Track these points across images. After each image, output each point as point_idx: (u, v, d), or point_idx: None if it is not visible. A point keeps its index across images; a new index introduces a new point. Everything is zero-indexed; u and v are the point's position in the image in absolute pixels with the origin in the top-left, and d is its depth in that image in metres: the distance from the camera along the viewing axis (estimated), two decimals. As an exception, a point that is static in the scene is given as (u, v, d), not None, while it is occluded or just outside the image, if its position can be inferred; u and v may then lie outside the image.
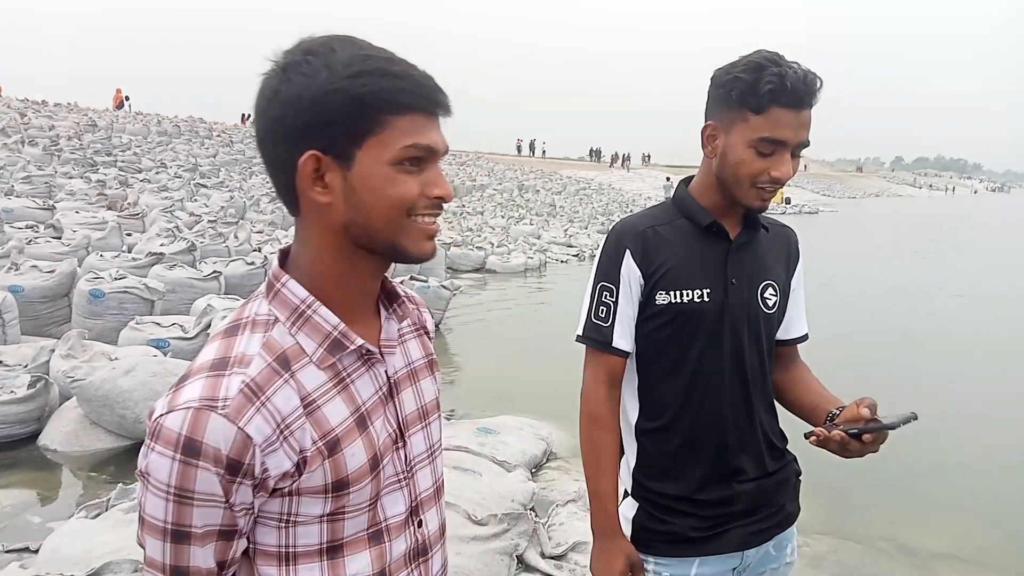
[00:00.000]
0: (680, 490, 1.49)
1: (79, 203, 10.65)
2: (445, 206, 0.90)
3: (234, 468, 0.77)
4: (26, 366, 4.72)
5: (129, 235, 8.89)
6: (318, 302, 0.87)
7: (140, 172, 15.71)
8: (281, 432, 0.80)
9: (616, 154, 57.77)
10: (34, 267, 6.12)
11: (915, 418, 1.18)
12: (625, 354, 1.49)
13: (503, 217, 19.97)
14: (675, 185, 1.63)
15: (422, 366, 1.01)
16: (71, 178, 13.18)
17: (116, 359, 4.59)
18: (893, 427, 1.22)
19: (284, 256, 0.92)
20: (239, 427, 0.77)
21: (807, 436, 1.33)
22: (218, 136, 25.70)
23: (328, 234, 0.86)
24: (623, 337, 1.47)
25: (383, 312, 0.97)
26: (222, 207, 12.57)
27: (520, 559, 3.05)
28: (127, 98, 31.55)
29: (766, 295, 1.50)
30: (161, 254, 7.23)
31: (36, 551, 2.95)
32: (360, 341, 0.88)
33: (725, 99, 1.37)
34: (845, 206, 50.32)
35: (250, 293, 0.92)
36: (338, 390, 0.86)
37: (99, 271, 6.16)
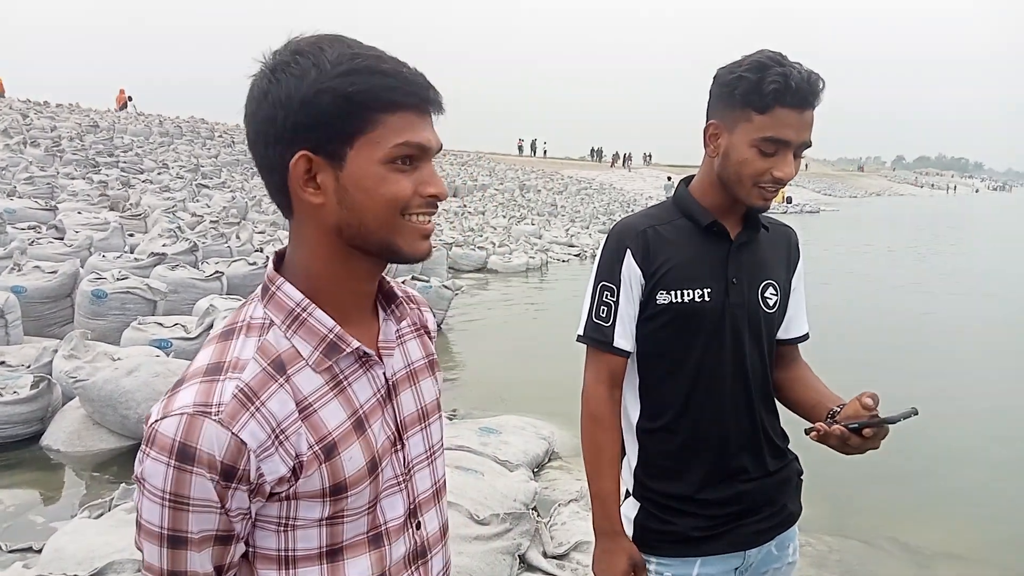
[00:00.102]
0: (682, 490, 1.49)
1: (81, 204, 10.65)
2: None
3: (229, 474, 0.77)
4: (29, 367, 4.73)
5: (131, 236, 8.90)
6: (313, 305, 0.86)
7: (142, 173, 15.73)
8: (276, 437, 0.79)
9: (617, 154, 57.74)
10: (37, 268, 6.13)
11: (915, 413, 1.17)
12: (626, 354, 1.49)
13: (504, 217, 19.96)
14: (675, 184, 1.63)
15: (422, 367, 1.01)
16: (73, 179, 13.20)
17: (119, 359, 4.60)
18: (893, 421, 1.21)
19: (280, 259, 0.91)
20: (233, 433, 0.77)
21: (807, 432, 1.33)
22: (220, 136, 25.72)
23: (322, 235, 0.85)
24: (624, 337, 1.47)
25: (381, 313, 0.96)
26: (224, 207, 12.58)
27: (522, 559, 3.06)
28: (130, 98, 31.55)
29: (767, 294, 1.51)
30: (163, 254, 7.23)
31: (39, 551, 2.95)
32: (356, 344, 0.87)
33: (729, 98, 1.37)
34: (846, 205, 50.27)
35: (252, 293, 0.92)
36: (335, 393, 0.85)
37: (101, 272, 6.17)
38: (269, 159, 0.83)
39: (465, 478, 3.37)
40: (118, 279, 5.93)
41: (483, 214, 19.98)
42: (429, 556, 0.98)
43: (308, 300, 0.86)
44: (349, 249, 0.86)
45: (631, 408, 1.55)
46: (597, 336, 1.48)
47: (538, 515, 3.40)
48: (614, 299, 1.47)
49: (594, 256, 1.52)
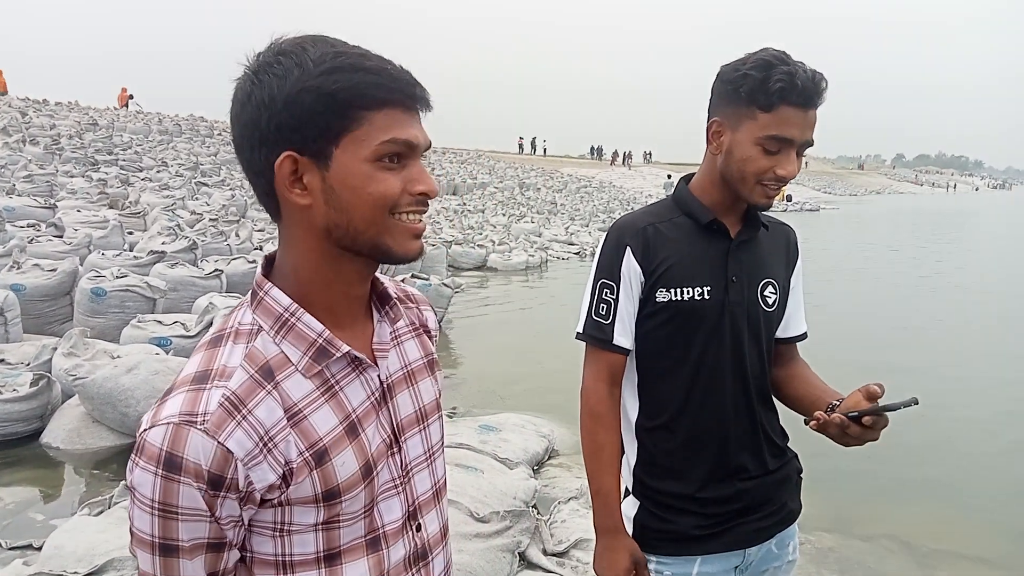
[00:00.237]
0: (682, 488, 1.49)
1: (80, 202, 10.63)
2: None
3: (216, 483, 0.76)
4: (28, 364, 4.73)
5: (131, 233, 8.89)
6: (302, 310, 0.84)
7: (141, 171, 15.70)
8: (264, 445, 0.79)
9: (616, 152, 57.72)
10: (36, 266, 6.12)
11: (916, 402, 1.16)
12: (626, 352, 1.49)
13: (504, 215, 19.95)
14: (675, 182, 1.63)
15: (420, 367, 0.99)
16: (72, 177, 13.18)
17: (118, 357, 4.60)
18: (894, 408, 1.20)
19: (269, 263, 0.90)
20: (219, 442, 0.76)
21: (807, 422, 1.32)
22: (219, 134, 25.66)
23: (310, 237, 0.84)
24: (623, 335, 1.47)
25: (376, 315, 0.95)
26: (223, 205, 12.57)
27: (522, 556, 3.06)
28: (131, 96, 31.53)
29: (766, 293, 1.51)
30: (163, 252, 7.22)
31: (39, 548, 2.95)
32: (346, 348, 0.85)
33: (733, 96, 1.37)
34: (846, 203, 50.26)
35: (243, 298, 0.90)
36: (326, 398, 0.84)
37: (101, 269, 6.16)
38: (255, 162, 0.82)
39: (465, 476, 3.37)
40: (117, 277, 5.92)
41: (483, 212, 19.96)
42: (430, 557, 0.97)
43: (296, 305, 0.85)
44: (339, 251, 0.85)
45: (630, 406, 1.55)
46: (596, 334, 1.48)
47: (538, 513, 3.40)
48: (614, 296, 1.47)
49: (593, 254, 1.51)
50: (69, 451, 4.24)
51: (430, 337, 1.06)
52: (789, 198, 39.50)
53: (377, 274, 0.95)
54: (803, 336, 1.64)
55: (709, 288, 1.45)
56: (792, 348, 1.63)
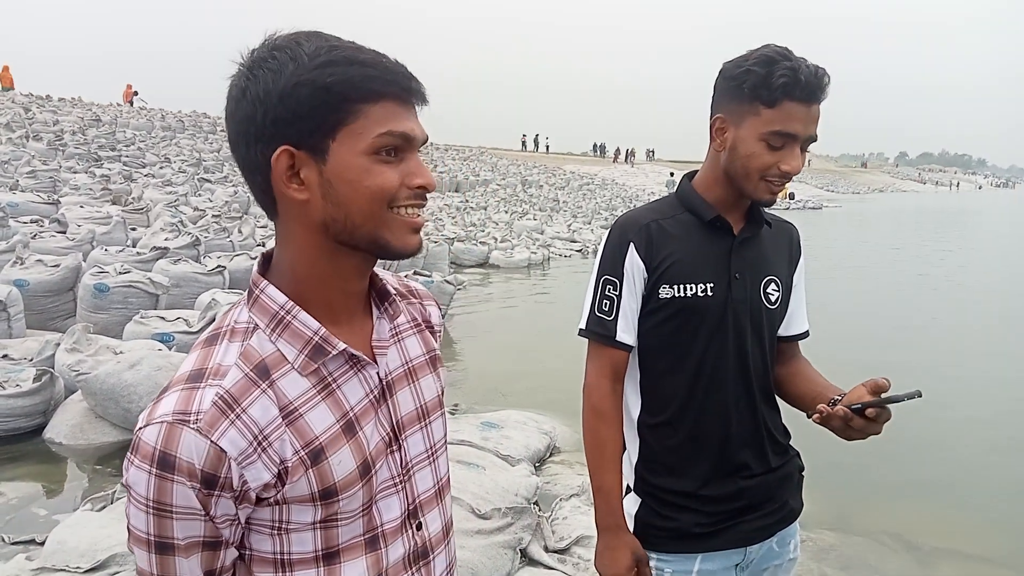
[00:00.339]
0: (684, 486, 1.49)
1: (83, 198, 10.65)
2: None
3: (210, 482, 0.76)
4: (32, 360, 4.74)
5: (133, 230, 8.89)
6: (297, 307, 0.84)
7: (144, 167, 15.71)
8: (259, 444, 0.78)
9: (619, 149, 57.63)
10: (39, 261, 6.13)
11: (919, 395, 1.16)
12: (628, 348, 1.49)
13: (507, 212, 19.94)
14: (677, 180, 1.63)
15: (422, 364, 0.99)
16: (75, 173, 13.18)
17: (121, 353, 4.61)
18: (898, 400, 1.20)
19: (266, 261, 0.90)
20: (212, 441, 0.76)
21: (809, 415, 1.32)
22: (222, 131, 25.55)
23: (308, 233, 0.83)
24: (626, 331, 1.47)
25: (375, 312, 0.94)
26: (226, 202, 12.57)
27: (524, 553, 3.06)
28: (136, 93, 31.58)
29: (768, 290, 1.50)
30: (165, 248, 7.23)
31: (42, 543, 2.96)
32: (342, 346, 0.85)
33: (736, 92, 1.37)
34: (849, 201, 50.18)
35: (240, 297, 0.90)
36: (322, 396, 0.84)
37: (104, 265, 6.17)
38: (251, 159, 0.82)
39: (467, 472, 3.37)
40: (120, 273, 5.93)
41: (485, 209, 19.95)
42: (431, 556, 0.96)
43: (292, 303, 0.84)
44: (337, 246, 0.84)
45: (632, 403, 1.54)
46: (599, 330, 1.48)
47: (539, 510, 3.40)
48: (617, 293, 1.47)
49: (596, 251, 1.51)
50: (72, 446, 4.25)
51: (434, 333, 1.05)
52: (792, 196, 39.44)
53: (378, 270, 0.94)
54: (805, 334, 1.63)
55: (712, 285, 1.45)
56: (794, 346, 1.62)
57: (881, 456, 4.54)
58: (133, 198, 11.30)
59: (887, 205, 47.29)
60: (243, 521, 0.82)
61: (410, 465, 0.94)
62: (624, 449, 1.55)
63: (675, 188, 1.60)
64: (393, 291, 0.97)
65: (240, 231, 9.56)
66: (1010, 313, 10.23)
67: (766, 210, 1.53)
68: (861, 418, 1.25)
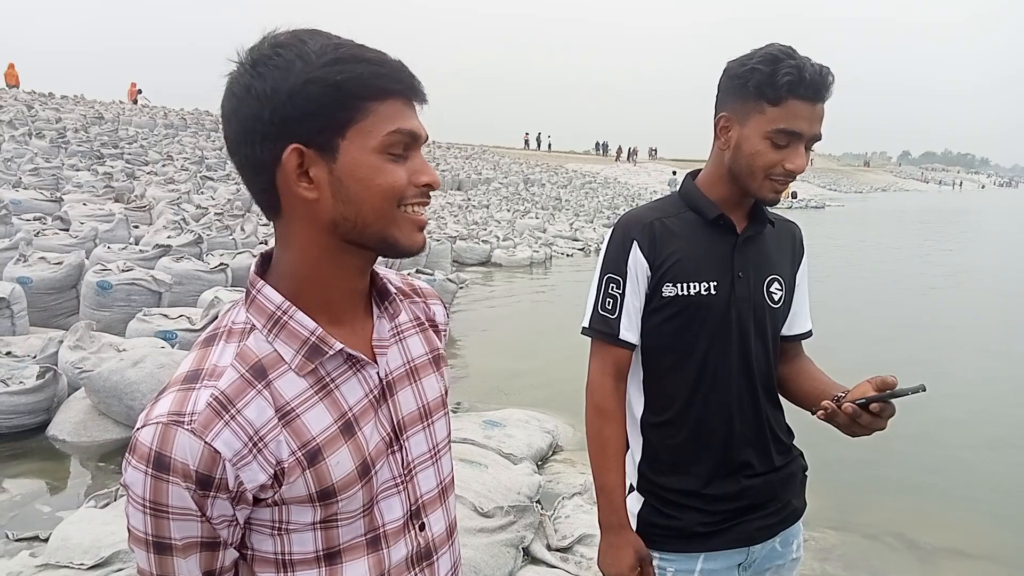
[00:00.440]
0: (687, 485, 1.49)
1: (86, 195, 10.66)
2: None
3: (205, 483, 0.76)
4: (35, 357, 4.75)
5: (136, 227, 8.91)
6: (294, 307, 0.83)
7: (147, 164, 15.72)
8: (254, 445, 0.78)
9: (621, 148, 57.54)
10: (42, 259, 6.14)
11: (924, 389, 1.16)
12: (632, 346, 1.49)
13: (509, 211, 19.93)
14: (679, 179, 1.63)
15: (424, 363, 0.98)
16: (78, 170, 13.19)
17: (124, 350, 4.62)
18: (903, 394, 1.20)
19: (265, 261, 0.89)
20: (206, 442, 0.76)
21: (814, 411, 1.32)
22: (224, 129, 25.60)
23: (314, 233, 0.83)
24: (630, 329, 1.47)
25: (375, 311, 0.93)
26: (228, 199, 12.58)
27: (526, 551, 3.07)
28: (140, 91, 31.64)
29: (772, 289, 1.50)
30: (168, 246, 7.24)
31: (46, 540, 2.97)
32: (339, 345, 0.84)
33: (741, 90, 1.37)
34: (851, 201, 50.11)
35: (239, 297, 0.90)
36: (319, 397, 0.83)
37: (106, 263, 6.19)
38: (255, 158, 0.80)
39: (469, 471, 3.37)
40: (123, 270, 5.95)
41: (487, 208, 19.95)
42: (435, 557, 0.96)
43: (288, 303, 0.84)
44: (343, 245, 0.84)
45: (635, 402, 1.54)
46: (603, 328, 1.48)
47: (542, 508, 3.40)
48: (620, 291, 1.46)
49: (598, 250, 1.51)
50: (75, 443, 4.25)
51: (438, 332, 1.04)
52: (794, 195, 39.40)
53: (380, 268, 0.94)
54: (808, 334, 1.63)
55: (716, 283, 1.44)
56: (797, 346, 1.62)
57: (884, 455, 4.54)
58: (136, 196, 11.32)
59: (890, 204, 47.21)
60: (241, 522, 0.82)
61: (412, 465, 0.93)
62: (627, 448, 1.55)
63: (678, 187, 1.59)
64: (394, 290, 0.96)
65: (243, 229, 9.58)
66: (1011, 313, 10.21)
67: (769, 209, 1.53)
68: (868, 415, 1.25)
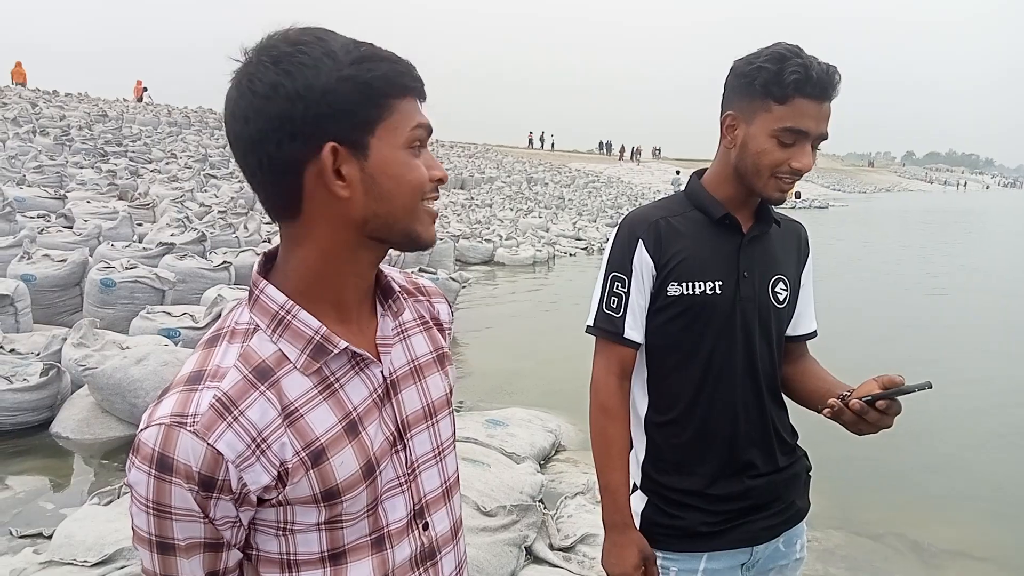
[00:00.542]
0: (691, 484, 1.49)
1: (90, 193, 10.69)
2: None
3: (207, 484, 0.76)
4: (38, 354, 4.76)
5: (140, 225, 8.93)
6: (297, 306, 0.83)
7: (150, 162, 15.74)
8: (257, 446, 0.78)
9: (624, 147, 57.48)
10: (46, 256, 6.16)
11: (930, 386, 1.16)
12: (636, 345, 1.48)
13: (512, 210, 19.94)
14: (683, 179, 1.62)
15: (428, 362, 0.97)
16: (82, 168, 13.21)
17: (127, 348, 4.63)
18: (909, 391, 1.20)
19: (268, 260, 0.88)
20: (208, 444, 0.75)
21: (820, 409, 1.31)
22: (228, 127, 25.61)
23: (339, 230, 0.82)
24: (634, 328, 1.47)
25: (379, 309, 0.93)
26: (232, 198, 12.60)
27: (529, 550, 3.07)
28: (145, 89, 31.71)
29: (777, 289, 1.50)
30: (172, 244, 7.26)
31: (49, 537, 2.97)
32: (343, 344, 0.83)
33: (747, 88, 1.37)
34: (856, 201, 50.03)
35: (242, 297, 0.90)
36: (324, 396, 0.83)
37: (110, 260, 6.20)
38: (280, 157, 0.78)
39: (472, 470, 3.37)
40: (127, 268, 5.96)
41: (490, 207, 19.95)
42: (439, 556, 0.95)
43: (292, 302, 0.83)
44: (365, 241, 0.84)
45: (639, 401, 1.54)
46: (607, 327, 1.47)
47: (544, 507, 3.40)
48: (625, 290, 1.46)
49: (601, 249, 1.50)
50: (79, 441, 4.26)
51: (442, 331, 1.03)
52: (798, 195, 39.34)
53: (384, 267, 0.94)
54: (813, 334, 1.63)
55: (721, 283, 1.44)
56: (802, 346, 1.62)
57: (888, 457, 4.53)
58: (139, 193, 11.34)
59: (893, 205, 47.12)
60: (245, 523, 0.82)
61: (416, 465, 0.93)
62: (631, 447, 1.55)
63: (682, 187, 1.59)
64: (398, 288, 0.96)
65: (246, 227, 9.59)
66: (1012, 313, 10.18)
67: (774, 209, 1.53)
68: (875, 412, 1.24)
